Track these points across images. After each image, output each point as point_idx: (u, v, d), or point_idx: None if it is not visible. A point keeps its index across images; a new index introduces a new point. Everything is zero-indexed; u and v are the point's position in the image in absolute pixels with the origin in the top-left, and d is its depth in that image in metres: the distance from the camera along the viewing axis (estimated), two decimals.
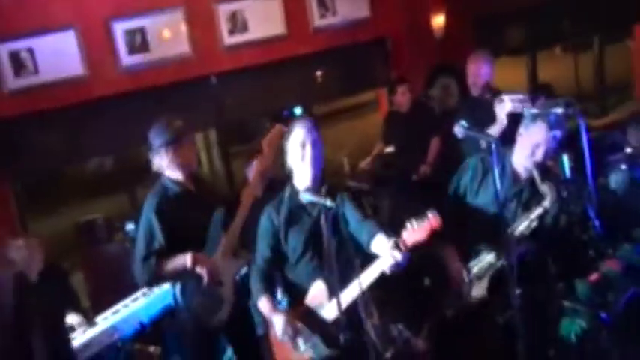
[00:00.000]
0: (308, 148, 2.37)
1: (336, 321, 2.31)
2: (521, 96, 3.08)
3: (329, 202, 2.16)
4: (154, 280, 2.69)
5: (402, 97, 4.71)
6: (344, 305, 2.25)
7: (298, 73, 5.01)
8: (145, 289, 3.49)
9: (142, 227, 2.67)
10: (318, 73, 5.16)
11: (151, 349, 3.41)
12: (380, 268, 2.26)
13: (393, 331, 3.57)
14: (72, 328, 3.14)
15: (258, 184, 2.85)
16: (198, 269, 2.61)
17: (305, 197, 2.36)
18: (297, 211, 2.47)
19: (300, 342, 2.42)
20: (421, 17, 5.32)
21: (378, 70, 5.30)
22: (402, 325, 3.57)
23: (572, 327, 2.49)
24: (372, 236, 2.36)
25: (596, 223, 2.40)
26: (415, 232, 2.21)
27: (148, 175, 2.92)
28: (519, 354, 2.28)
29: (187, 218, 2.68)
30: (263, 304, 2.47)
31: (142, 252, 2.65)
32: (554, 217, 2.72)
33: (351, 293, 2.31)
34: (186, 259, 2.60)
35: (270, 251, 2.50)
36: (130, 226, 4.40)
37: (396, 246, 2.20)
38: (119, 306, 3.37)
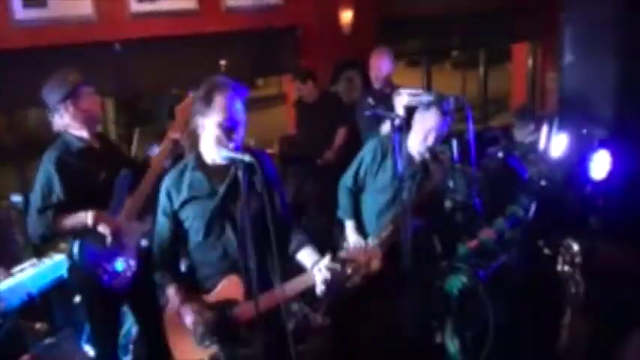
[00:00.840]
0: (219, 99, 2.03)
1: (251, 323, 2.13)
2: (417, 90, 3.40)
3: (247, 158, 1.97)
4: (50, 234, 2.54)
5: (305, 91, 4.81)
6: (262, 308, 2.06)
7: (207, 51, 4.92)
8: (33, 260, 3.28)
9: (40, 180, 2.52)
10: (223, 62, 5.11)
11: (37, 325, 3.22)
12: (307, 283, 2.14)
13: (294, 306, 3.73)
14: None
15: (169, 151, 2.82)
16: (101, 228, 2.52)
17: (222, 153, 2.06)
18: (201, 185, 2.16)
19: (207, 340, 2.18)
20: (331, 10, 5.47)
21: (287, 57, 5.37)
22: (302, 300, 3.73)
23: (455, 282, 2.82)
24: (299, 246, 2.24)
25: (477, 202, 2.76)
26: (352, 252, 2.18)
27: (39, 147, 2.74)
28: (407, 326, 2.54)
29: (90, 175, 2.58)
30: (171, 295, 2.22)
31: (38, 204, 2.51)
32: (441, 199, 3.04)
33: (270, 299, 2.13)
34: (87, 217, 2.51)
35: (170, 233, 2.23)
36: (16, 198, 4.08)
37: (334, 262, 2.09)
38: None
